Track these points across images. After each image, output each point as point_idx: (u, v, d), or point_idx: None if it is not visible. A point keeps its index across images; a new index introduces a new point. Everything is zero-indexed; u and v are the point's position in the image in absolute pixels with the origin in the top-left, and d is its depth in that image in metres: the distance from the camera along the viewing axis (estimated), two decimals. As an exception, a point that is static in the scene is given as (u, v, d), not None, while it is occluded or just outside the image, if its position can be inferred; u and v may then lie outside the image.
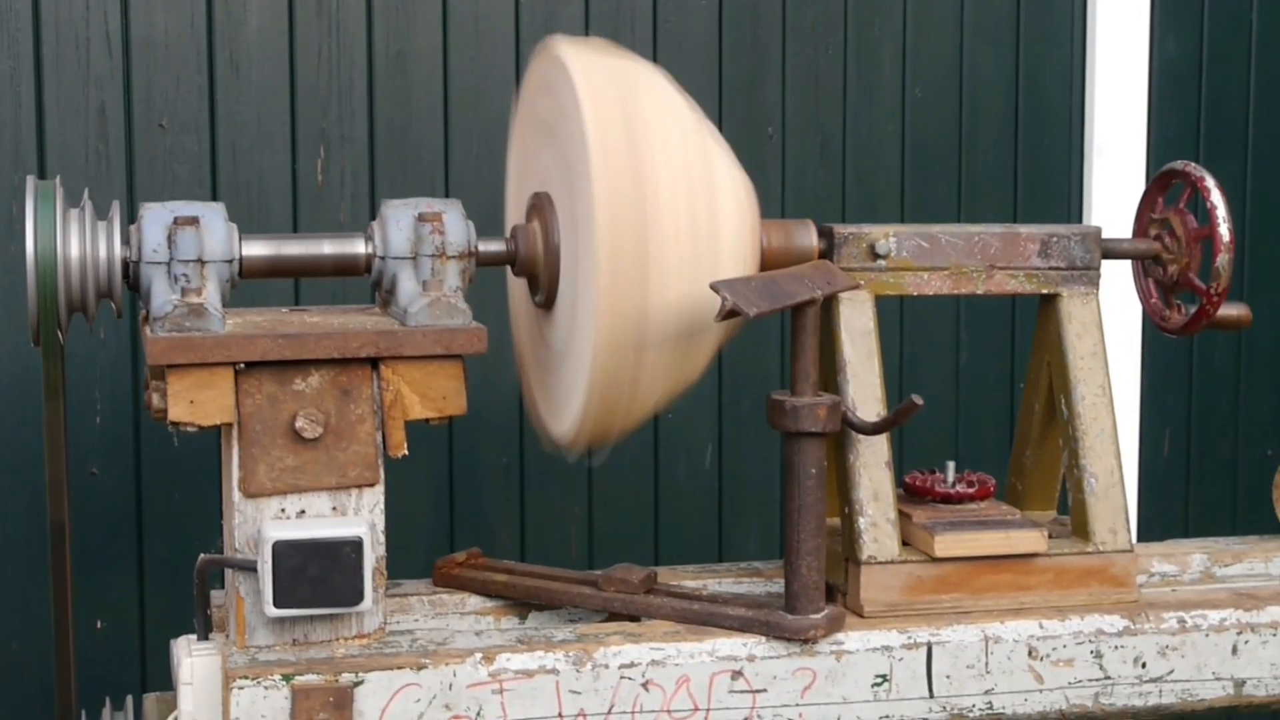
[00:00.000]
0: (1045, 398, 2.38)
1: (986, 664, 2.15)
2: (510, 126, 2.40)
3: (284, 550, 1.97)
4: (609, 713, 2.03)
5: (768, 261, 2.22)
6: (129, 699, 2.28)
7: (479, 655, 2.01)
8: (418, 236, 2.11)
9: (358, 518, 2.04)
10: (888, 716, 2.12)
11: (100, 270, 2.04)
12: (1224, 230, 2.34)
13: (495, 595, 2.34)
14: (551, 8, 3.24)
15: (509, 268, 2.25)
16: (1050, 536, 2.24)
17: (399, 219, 2.13)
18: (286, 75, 3.10)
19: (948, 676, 2.14)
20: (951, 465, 2.33)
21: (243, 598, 2.03)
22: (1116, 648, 2.18)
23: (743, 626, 2.10)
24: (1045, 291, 2.33)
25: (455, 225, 2.13)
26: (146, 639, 3.07)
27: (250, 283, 2.14)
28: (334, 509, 2.04)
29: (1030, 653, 2.16)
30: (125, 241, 2.06)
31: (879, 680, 2.12)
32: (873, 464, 2.20)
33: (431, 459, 3.21)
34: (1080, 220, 3.62)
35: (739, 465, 3.47)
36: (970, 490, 2.29)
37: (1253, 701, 2.26)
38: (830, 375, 2.24)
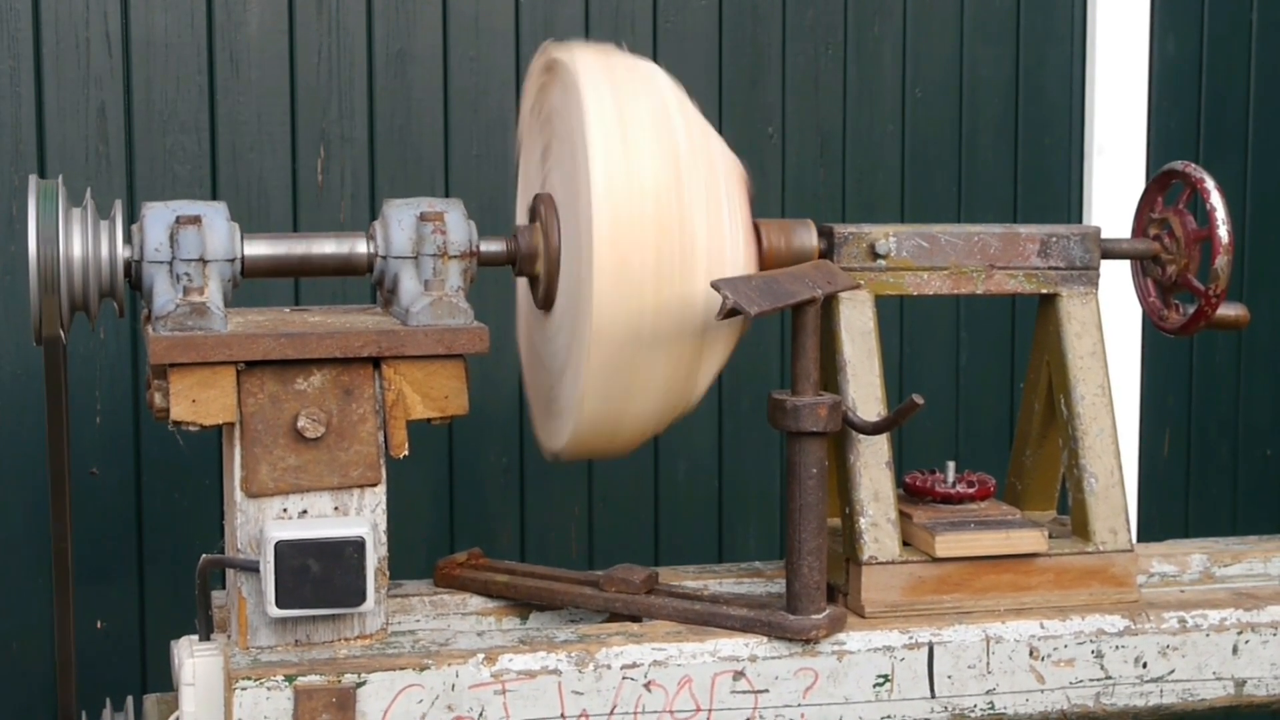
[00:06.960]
0: (1045, 397, 2.39)
1: (988, 664, 2.15)
2: (518, 124, 2.40)
3: (286, 550, 1.97)
4: (611, 713, 2.03)
5: (768, 261, 2.22)
6: (129, 699, 2.28)
7: (481, 656, 2.01)
8: (419, 236, 2.11)
9: (360, 518, 2.04)
10: (889, 717, 2.12)
11: (102, 269, 2.04)
12: (1223, 233, 2.34)
13: (496, 596, 2.34)
14: (551, 8, 3.24)
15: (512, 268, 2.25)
16: (1050, 536, 2.25)
17: (401, 218, 2.13)
18: (286, 75, 3.09)
19: (949, 677, 2.14)
20: (951, 465, 2.33)
21: (245, 598, 2.03)
22: (1117, 648, 2.19)
23: (744, 627, 2.11)
24: (1045, 291, 2.33)
25: (457, 225, 2.13)
26: (147, 639, 3.07)
27: (250, 283, 2.14)
28: (336, 509, 2.03)
29: (1031, 653, 2.16)
30: (127, 241, 2.06)
31: (881, 680, 2.12)
32: (873, 464, 2.21)
33: (432, 459, 3.21)
34: (1080, 220, 3.62)
35: (739, 465, 3.47)
36: (970, 490, 2.29)
37: (1253, 701, 2.26)
38: (830, 375, 2.24)
